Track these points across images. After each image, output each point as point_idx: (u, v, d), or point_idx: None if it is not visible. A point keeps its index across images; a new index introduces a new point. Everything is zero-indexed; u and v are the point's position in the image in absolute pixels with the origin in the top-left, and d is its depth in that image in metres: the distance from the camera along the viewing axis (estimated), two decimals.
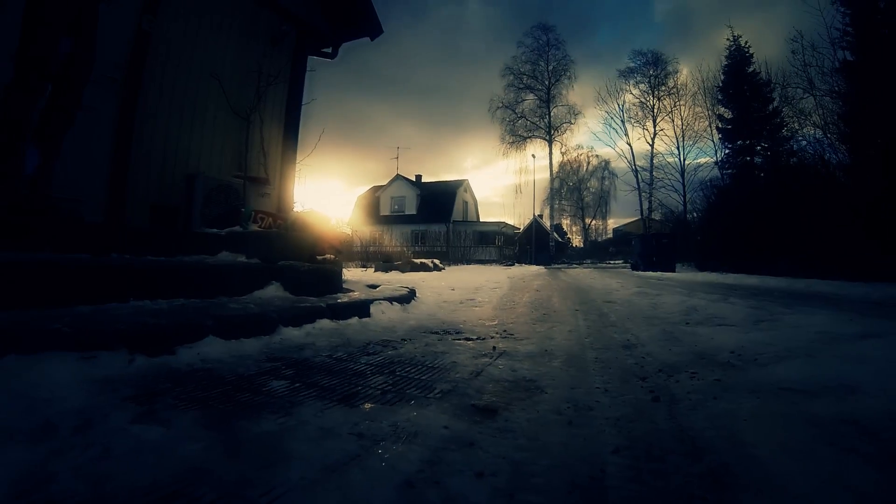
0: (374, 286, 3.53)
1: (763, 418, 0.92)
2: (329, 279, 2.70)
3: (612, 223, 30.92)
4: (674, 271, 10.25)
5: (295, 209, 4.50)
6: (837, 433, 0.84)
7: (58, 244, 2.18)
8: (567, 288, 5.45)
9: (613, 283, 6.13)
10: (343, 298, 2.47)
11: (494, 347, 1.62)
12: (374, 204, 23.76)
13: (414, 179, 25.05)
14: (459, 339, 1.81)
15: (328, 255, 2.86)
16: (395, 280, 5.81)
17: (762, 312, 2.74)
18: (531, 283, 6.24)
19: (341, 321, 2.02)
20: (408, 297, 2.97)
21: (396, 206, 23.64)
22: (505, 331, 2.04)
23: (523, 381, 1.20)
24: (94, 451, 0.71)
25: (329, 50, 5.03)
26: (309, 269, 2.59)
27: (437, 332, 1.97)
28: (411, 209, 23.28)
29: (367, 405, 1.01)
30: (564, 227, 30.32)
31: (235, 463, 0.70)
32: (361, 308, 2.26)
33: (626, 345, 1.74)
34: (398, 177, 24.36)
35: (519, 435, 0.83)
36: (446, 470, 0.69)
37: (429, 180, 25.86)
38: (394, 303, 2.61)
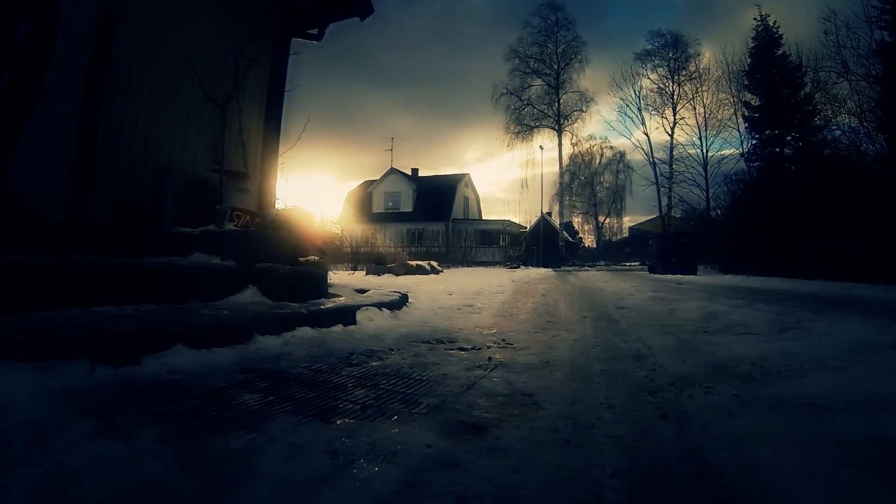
0: (362, 291, 3.54)
1: (782, 438, 0.91)
2: (312, 283, 2.71)
3: (628, 221, 30.87)
4: (695, 274, 10.25)
5: (277, 206, 4.51)
6: (864, 455, 0.82)
7: (16, 244, 2.19)
8: (576, 292, 5.46)
9: (627, 286, 6.13)
10: (327, 304, 2.48)
11: (490, 358, 1.62)
12: (365, 200, 23.75)
13: (410, 173, 25.04)
14: (452, 349, 1.82)
15: (312, 257, 2.87)
16: (387, 284, 5.81)
17: (789, 319, 2.74)
18: (537, 288, 6.25)
19: (324, 329, 2.03)
20: (399, 302, 2.98)
21: (391, 203, 23.64)
22: (504, 340, 2.04)
23: (519, 395, 1.21)
24: (47, 466, 0.73)
25: (315, 31, 5.02)
26: (290, 271, 2.60)
27: (428, 342, 1.97)
28: (407, 206, 23.27)
29: (345, 421, 1.02)
30: (575, 225, 30.33)
31: (197, 482, 0.71)
32: (346, 314, 2.27)
33: (637, 355, 1.75)
34: (392, 170, 24.36)
35: (509, 455, 0.84)
36: (425, 492, 0.70)
37: (426, 174, 25.89)
38: (383, 309, 2.62)
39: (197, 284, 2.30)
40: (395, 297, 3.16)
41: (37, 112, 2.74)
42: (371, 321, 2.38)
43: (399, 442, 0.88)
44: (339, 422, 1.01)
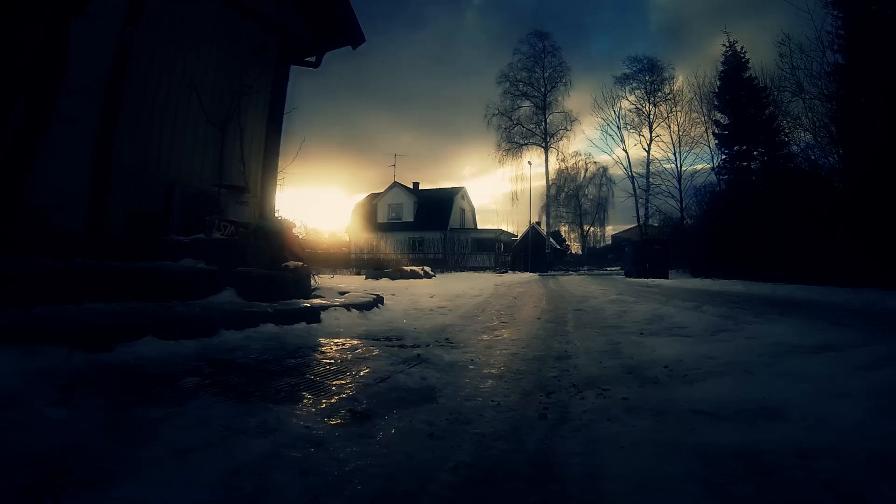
0: (344, 292, 3.57)
1: (646, 446, 0.83)
2: (287, 285, 2.74)
3: (611, 230, 30.96)
4: (666, 278, 10.19)
5: (278, 216, 4.57)
6: (722, 470, 0.72)
7: (28, 249, 2.26)
8: (547, 295, 5.44)
9: (597, 290, 6.10)
10: (299, 304, 2.51)
11: (419, 355, 1.63)
12: (371, 211, 23.93)
13: (411, 187, 25.21)
14: (393, 347, 1.83)
15: (290, 263, 2.90)
16: (381, 287, 5.84)
17: (728, 322, 2.70)
18: (514, 291, 6.23)
19: (287, 326, 2.05)
20: (371, 304, 3.00)
21: (394, 214, 23.78)
22: (447, 339, 2.05)
23: (424, 389, 1.21)
24: (3, 423, 0.85)
25: (313, 59, 5.13)
26: (264, 275, 2.64)
27: (377, 339, 1.99)
28: (408, 216, 23.38)
29: (255, 402, 1.06)
30: (563, 234, 30.34)
31: (110, 441, 0.81)
32: (311, 314, 2.29)
33: (561, 356, 1.71)
34: (395, 184, 24.54)
35: (373, 442, 0.85)
36: (277, 464, 0.73)
37: (426, 187, 26.06)
38: (352, 309, 2.64)
39: (181, 286, 2.35)
40: (369, 298, 3.18)
41: (56, 133, 2.83)
42: (337, 320, 2.40)
43: (285, 422, 0.91)
44: (249, 403, 1.05)
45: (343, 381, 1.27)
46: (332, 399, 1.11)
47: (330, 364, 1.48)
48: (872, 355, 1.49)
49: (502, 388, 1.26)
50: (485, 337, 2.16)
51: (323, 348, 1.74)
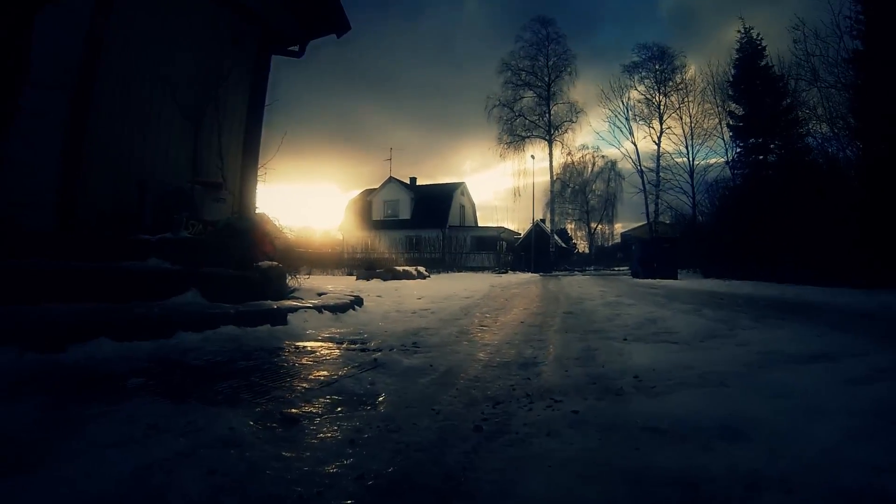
0: (323, 294, 3.60)
1: (575, 467, 0.79)
2: (256, 286, 2.77)
3: (620, 227, 30.77)
4: (675, 278, 10.15)
5: (258, 213, 4.61)
6: (649, 501, 0.68)
7: None
8: (541, 297, 5.45)
9: (596, 291, 6.10)
10: (268, 305, 2.54)
11: (376, 360, 1.65)
12: (366, 208, 23.92)
13: (408, 182, 25.14)
14: (354, 350, 1.86)
15: (263, 262, 2.93)
16: (368, 288, 5.88)
17: (722, 327, 2.68)
18: (508, 292, 6.24)
19: (249, 328, 2.09)
20: (346, 306, 3.02)
21: (390, 211, 23.76)
22: (414, 343, 2.07)
23: (367, 395, 1.23)
24: None
25: (296, 48, 5.14)
26: (231, 275, 2.68)
27: (341, 342, 2.02)
28: (405, 213, 23.33)
29: (191, 403, 1.10)
30: (569, 231, 30.21)
31: (39, 434, 0.89)
32: (277, 316, 2.33)
33: (527, 363, 1.69)
34: (391, 179, 24.49)
35: (293, 446, 0.88)
36: (189, 462, 0.78)
37: (424, 183, 26.05)
38: (324, 311, 2.67)
39: (144, 286, 2.39)
40: (347, 300, 3.21)
41: (23, 128, 2.88)
42: (305, 322, 2.43)
43: (213, 423, 0.95)
44: (184, 403, 1.09)
45: (287, 385, 1.31)
46: (268, 403, 1.14)
47: (281, 367, 1.52)
48: (869, 366, 1.45)
49: (450, 396, 1.25)
50: (456, 341, 2.18)
51: (281, 351, 1.77)
